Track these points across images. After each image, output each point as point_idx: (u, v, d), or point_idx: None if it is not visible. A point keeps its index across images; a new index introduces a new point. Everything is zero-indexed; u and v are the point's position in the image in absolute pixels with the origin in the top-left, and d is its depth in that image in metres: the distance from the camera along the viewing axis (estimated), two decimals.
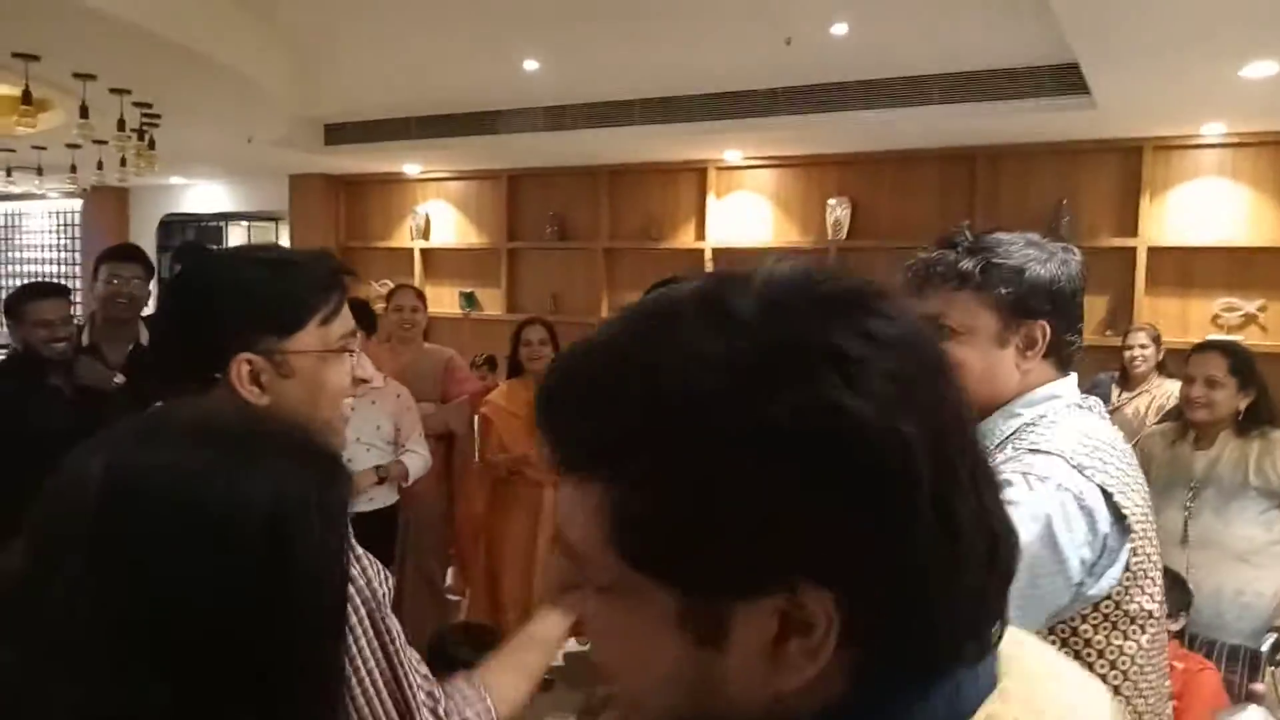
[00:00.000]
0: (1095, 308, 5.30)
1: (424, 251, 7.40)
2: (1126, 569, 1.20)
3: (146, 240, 8.77)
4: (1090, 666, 1.20)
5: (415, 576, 3.92)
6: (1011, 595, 0.97)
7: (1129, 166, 5.16)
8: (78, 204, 9.17)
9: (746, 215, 6.13)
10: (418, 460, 3.57)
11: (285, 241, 8.23)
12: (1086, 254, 5.48)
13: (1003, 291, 1.30)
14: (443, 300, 7.36)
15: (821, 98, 4.88)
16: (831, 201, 5.89)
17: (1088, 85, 3.99)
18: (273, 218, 8.40)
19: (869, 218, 5.87)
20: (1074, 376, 1.37)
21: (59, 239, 9.55)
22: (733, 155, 6.04)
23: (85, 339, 3.42)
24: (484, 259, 7.14)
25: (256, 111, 5.25)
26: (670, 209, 6.42)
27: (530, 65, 4.74)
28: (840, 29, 4.03)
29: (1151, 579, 1.24)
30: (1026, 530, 1.13)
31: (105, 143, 4.78)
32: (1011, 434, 1.31)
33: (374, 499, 3.43)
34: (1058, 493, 1.17)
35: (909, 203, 5.75)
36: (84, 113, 4.06)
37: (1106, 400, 4.41)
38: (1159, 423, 3.38)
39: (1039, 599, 1.16)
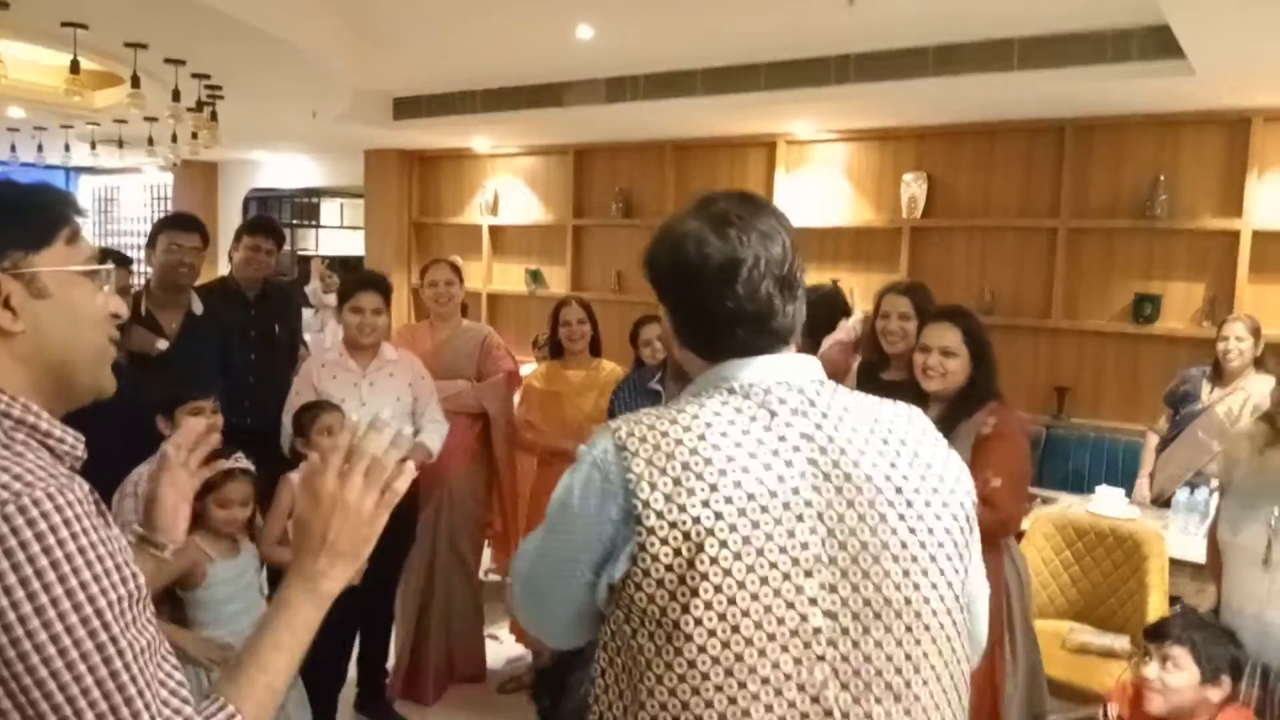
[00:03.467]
0: (1192, 295, 4.87)
1: (492, 228, 7.35)
2: (633, 562, 1.08)
3: (233, 213, 9.00)
4: (627, 659, 1.11)
5: (449, 557, 3.85)
6: (532, 556, 1.21)
7: (1235, 140, 4.69)
8: (169, 178, 9.45)
9: (817, 192, 5.86)
10: (436, 434, 3.49)
11: (361, 216, 8.32)
12: (1185, 236, 5.10)
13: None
14: (509, 278, 7.32)
15: (894, 65, 4.57)
16: (907, 177, 5.57)
17: (1181, 48, 3.60)
18: (361, 194, 8.46)
19: (947, 195, 5.53)
20: (763, 360, 1.19)
21: (152, 211, 9.89)
22: (802, 128, 5.77)
23: (142, 307, 3.45)
24: (550, 236, 7.05)
25: (318, 85, 5.23)
26: (738, 185, 6.16)
27: (585, 32, 4.57)
28: None
29: (690, 588, 1.06)
30: (555, 497, 1.16)
31: (155, 120, 4.81)
32: None
33: None
34: (589, 467, 1.14)
35: (991, 178, 5.40)
36: (135, 82, 4.08)
37: (1195, 399, 4.03)
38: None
39: (558, 566, 1.16)
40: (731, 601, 1.06)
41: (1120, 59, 4.02)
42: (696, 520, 1.06)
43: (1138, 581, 3.37)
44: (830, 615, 1.09)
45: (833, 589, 1.09)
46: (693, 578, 1.06)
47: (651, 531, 1.07)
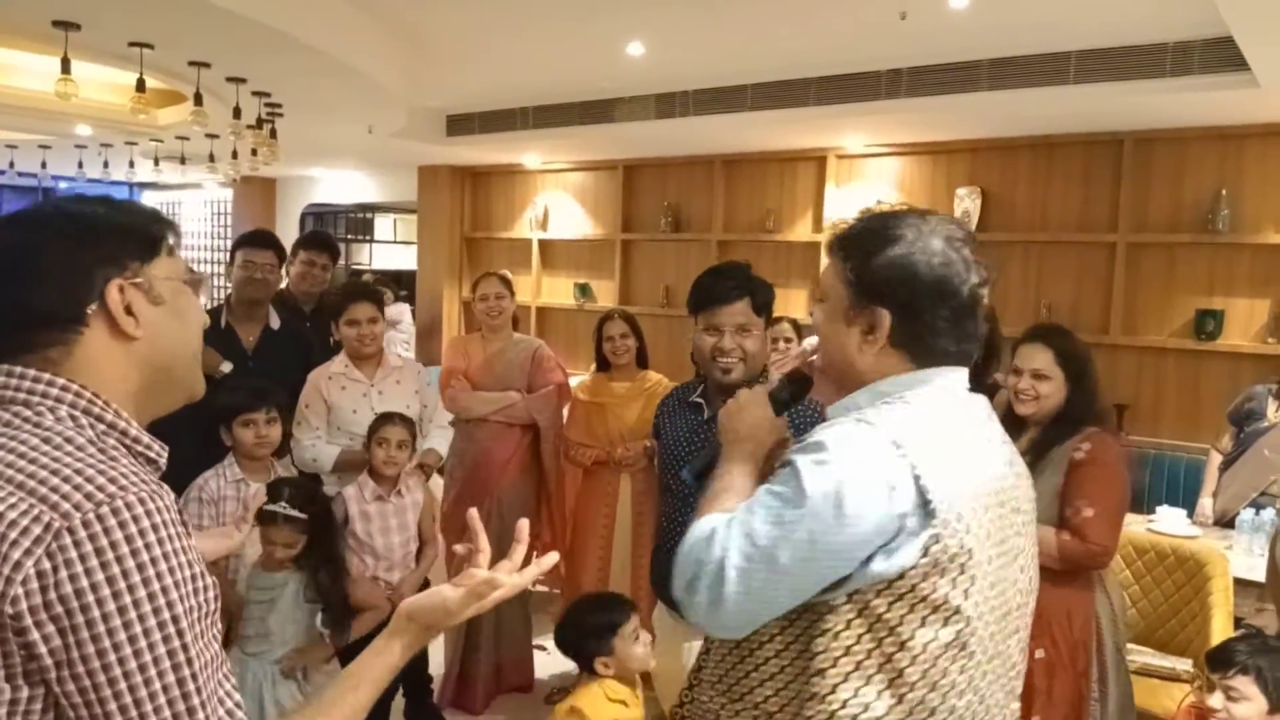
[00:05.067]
0: (1256, 311, 4.74)
1: (542, 243, 7.41)
2: (925, 554, 1.14)
3: (290, 228, 9.18)
4: (880, 641, 1.16)
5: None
6: (788, 546, 1.16)
7: None
8: (229, 194, 9.68)
9: (869, 205, 5.80)
10: (443, 438, 3.57)
11: (414, 231, 8.44)
12: (1249, 250, 4.98)
13: (851, 267, 1.29)
14: (558, 291, 7.37)
15: (947, 78, 4.54)
16: (961, 191, 5.51)
17: (1245, 60, 3.53)
18: (413, 209, 8.58)
19: (1002, 209, 5.46)
20: (956, 371, 1.29)
21: (212, 227, 10.13)
22: (853, 142, 5.74)
23: (222, 320, 3.51)
24: (599, 250, 7.09)
25: (374, 102, 5.34)
26: (787, 200, 6.17)
27: (635, 49, 4.61)
28: (960, 1, 3.72)
29: (970, 576, 1.16)
30: (818, 490, 1.15)
31: (216, 136, 4.94)
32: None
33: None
34: (859, 462, 1.16)
35: (1049, 192, 5.32)
36: (198, 100, 4.19)
37: (1261, 416, 3.92)
38: None
39: (815, 561, 1.15)
40: (992, 586, 1.20)
41: (1181, 72, 3.95)
42: (971, 511, 1.17)
43: (1200, 603, 3.27)
44: (1020, 593, 1.27)
45: (1023, 570, 1.28)
46: (970, 565, 1.16)
47: (945, 523, 1.14)
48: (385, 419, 3.10)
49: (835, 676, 1.17)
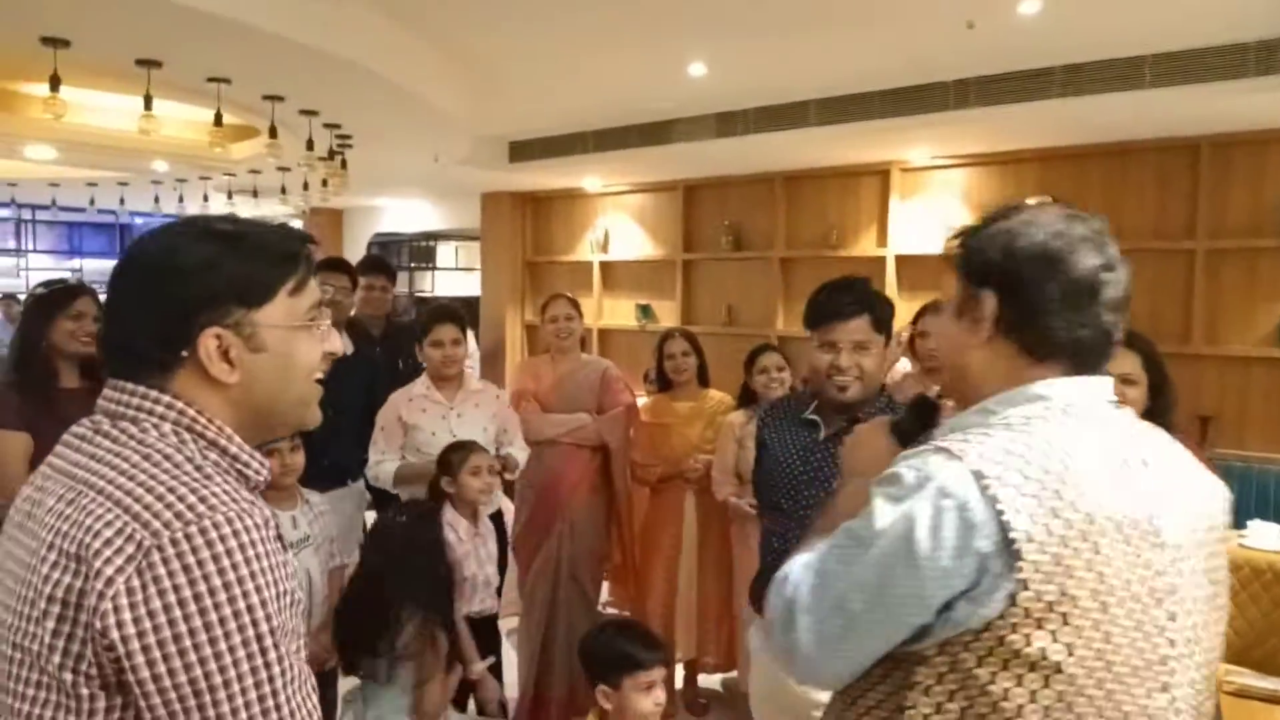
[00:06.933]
0: None
1: (603, 265, 7.44)
2: (1013, 602, 1.00)
3: (358, 257, 9.35)
4: (972, 700, 1.03)
5: (570, 589, 3.86)
6: (856, 589, 1.07)
7: None
8: (300, 226, 9.91)
9: (933, 219, 5.73)
10: (521, 453, 3.57)
11: (475, 258, 8.55)
12: None
13: (960, 244, 1.23)
14: (619, 313, 7.38)
15: (1016, 86, 4.46)
16: (1031, 202, 5.39)
17: None
18: (476, 236, 8.69)
19: None
20: (1085, 379, 1.16)
21: None
22: (918, 155, 5.67)
23: None
24: (660, 271, 7.10)
25: (440, 131, 5.43)
26: (850, 215, 6.11)
27: (696, 69, 4.61)
28: (1030, 7, 3.65)
29: (1074, 627, 1.01)
30: (888, 528, 1.05)
31: (288, 169, 5.04)
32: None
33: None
34: (935, 497, 1.03)
35: (1122, 201, 5.18)
36: (273, 133, 4.30)
37: None
38: None
39: (885, 607, 1.05)
40: (1107, 639, 1.03)
41: (1266, 72, 3.83)
42: (1076, 552, 1.02)
43: None
44: (1172, 644, 1.08)
45: (1173, 617, 1.08)
46: (1073, 615, 1.01)
47: (1036, 566, 1.00)
48: (468, 447, 3.04)
49: None
